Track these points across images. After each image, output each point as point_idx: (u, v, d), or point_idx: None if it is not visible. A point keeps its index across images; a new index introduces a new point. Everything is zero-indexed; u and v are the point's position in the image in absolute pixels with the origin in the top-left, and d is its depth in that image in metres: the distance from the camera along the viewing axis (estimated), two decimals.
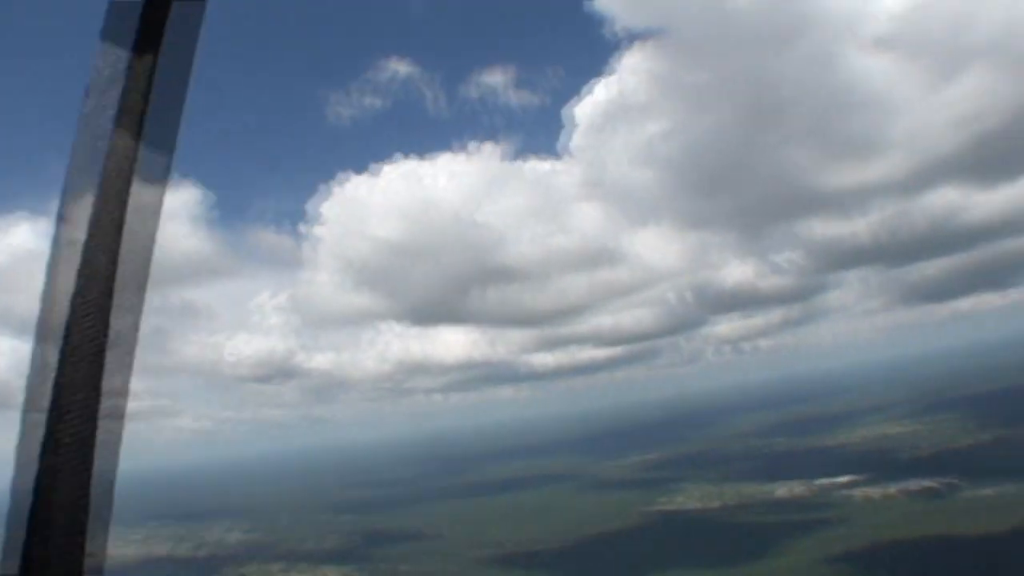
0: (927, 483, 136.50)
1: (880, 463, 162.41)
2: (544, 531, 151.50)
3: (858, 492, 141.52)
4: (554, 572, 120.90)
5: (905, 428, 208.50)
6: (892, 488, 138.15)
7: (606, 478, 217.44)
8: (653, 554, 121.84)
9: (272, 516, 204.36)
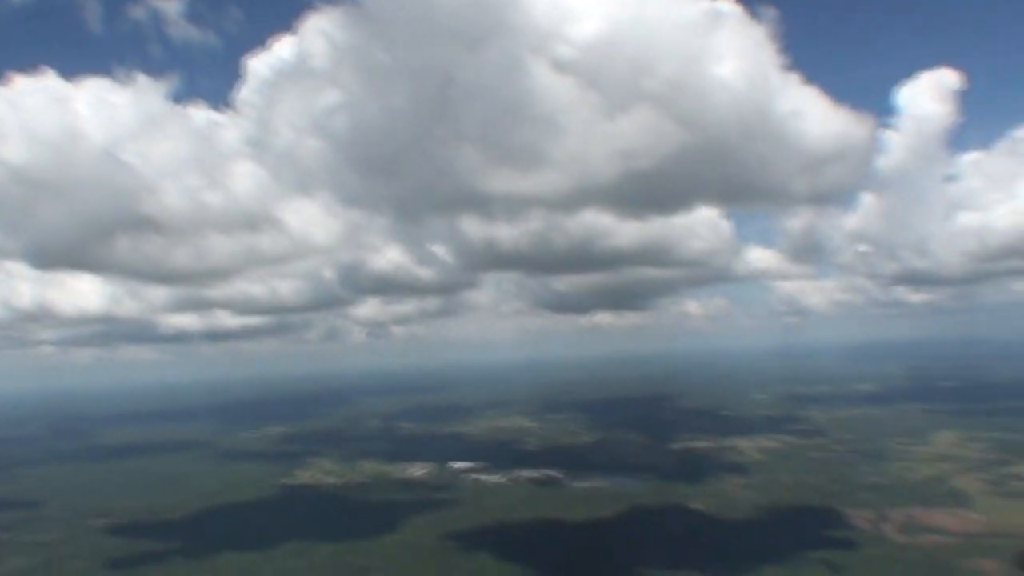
0: (538, 473, 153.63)
1: (499, 453, 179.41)
2: (168, 500, 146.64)
3: (479, 477, 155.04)
4: (174, 542, 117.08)
5: (524, 423, 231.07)
6: (509, 476, 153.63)
7: (240, 448, 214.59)
8: (280, 526, 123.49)
9: None
